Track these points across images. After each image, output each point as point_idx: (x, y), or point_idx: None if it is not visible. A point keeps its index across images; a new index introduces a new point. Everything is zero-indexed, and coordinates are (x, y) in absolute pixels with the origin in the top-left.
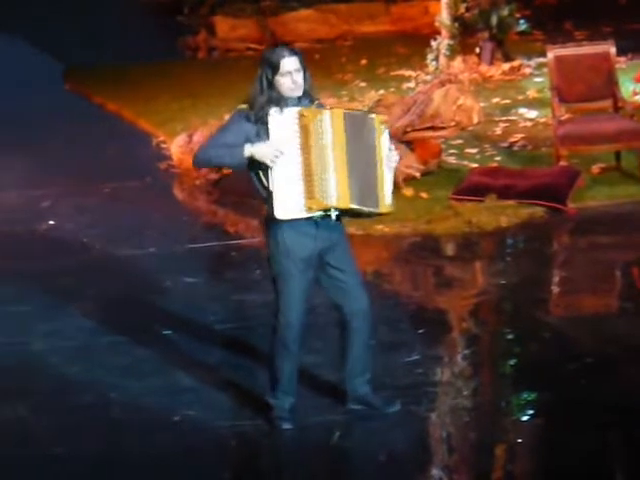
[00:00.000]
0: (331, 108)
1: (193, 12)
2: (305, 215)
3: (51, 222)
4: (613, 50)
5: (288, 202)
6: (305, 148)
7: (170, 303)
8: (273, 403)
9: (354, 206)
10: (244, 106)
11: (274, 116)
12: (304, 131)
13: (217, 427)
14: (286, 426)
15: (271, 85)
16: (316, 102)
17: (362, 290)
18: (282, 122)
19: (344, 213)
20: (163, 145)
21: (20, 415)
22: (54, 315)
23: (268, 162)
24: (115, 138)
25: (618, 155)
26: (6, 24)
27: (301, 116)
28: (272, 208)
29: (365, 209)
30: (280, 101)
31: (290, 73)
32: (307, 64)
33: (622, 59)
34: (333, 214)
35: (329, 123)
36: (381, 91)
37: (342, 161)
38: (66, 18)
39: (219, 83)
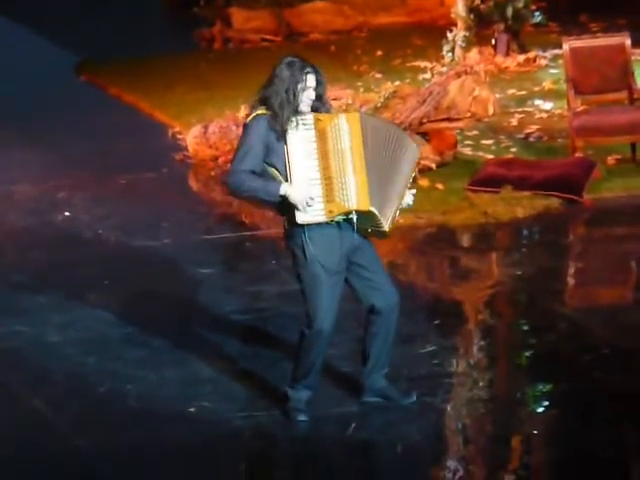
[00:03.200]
0: (346, 112)
1: (208, 4)
2: (326, 219)
3: (67, 214)
4: (628, 42)
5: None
6: (323, 152)
7: (186, 294)
8: (290, 394)
9: (373, 210)
10: (262, 111)
11: (293, 128)
12: (321, 135)
13: (233, 418)
14: (301, 418)
15: (295, 97)
16: (328, 108)
17: (391, 285)
18: (299, 129)
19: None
20: (179, 136)
21: (37, 407)
22: (70, 307)
23: (299, 207)
24: (131, 129)
25: (634, 146)
26: (21, 17)
27: (317, 120)
28: (292, 214)
29: (380, 217)
30: (294, 109)
31: (310, 88)
32: (323, 56)
33: (637, 51)
34: (354, 217)
35: (346, 127)
36: (397, 82)
37: (360, 164)
38: (81, 10)
39: (234, 74)
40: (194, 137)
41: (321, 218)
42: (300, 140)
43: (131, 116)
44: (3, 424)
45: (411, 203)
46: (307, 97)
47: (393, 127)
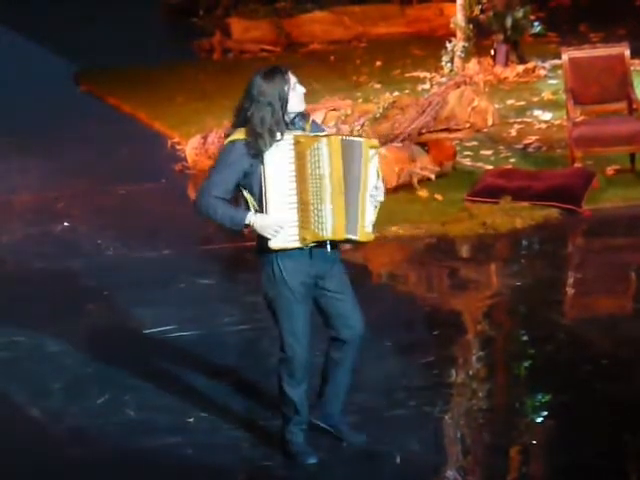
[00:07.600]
0: (327, 135)
1: (208, 14)
2: (299, 245)
3: (66, 224)
4: (628, 52)
5: (281, 231)
6: (301, 176)
7: (184, 305)
8: (288, 438)
9: (350, 237)
10: (239, 136)
11: (273, 148)
12: (300, 159)
13: (231, 428)
14: (311, 460)
15: (285, 103)
16: (310, 121)
17: (359, 315)
18: (279, 149)
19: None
20: (178, 146)
21: (35, 417)
22: (69, 317)
23: (267, 235)
24: (130, 140)
25: (633, 157)
26: (22, 25)
27: (297, 142)
28: (264, 237)
29: (357, 238)
30: (283, 121)
31: (296, 85)
32: (322, 66)
33: (637, 61)
34: (328, 247)
35: (326, 151)
36: (396, 93)
37: (339, 191)
38: (81, 20)
39: (234, 85)
40: (193, 147)
41: (294, 244)
42: (278, 160)
43: (130, 126)
44: (2, 434)
45: (381, 198)
46: (298, 95)
47: (357, 139)
